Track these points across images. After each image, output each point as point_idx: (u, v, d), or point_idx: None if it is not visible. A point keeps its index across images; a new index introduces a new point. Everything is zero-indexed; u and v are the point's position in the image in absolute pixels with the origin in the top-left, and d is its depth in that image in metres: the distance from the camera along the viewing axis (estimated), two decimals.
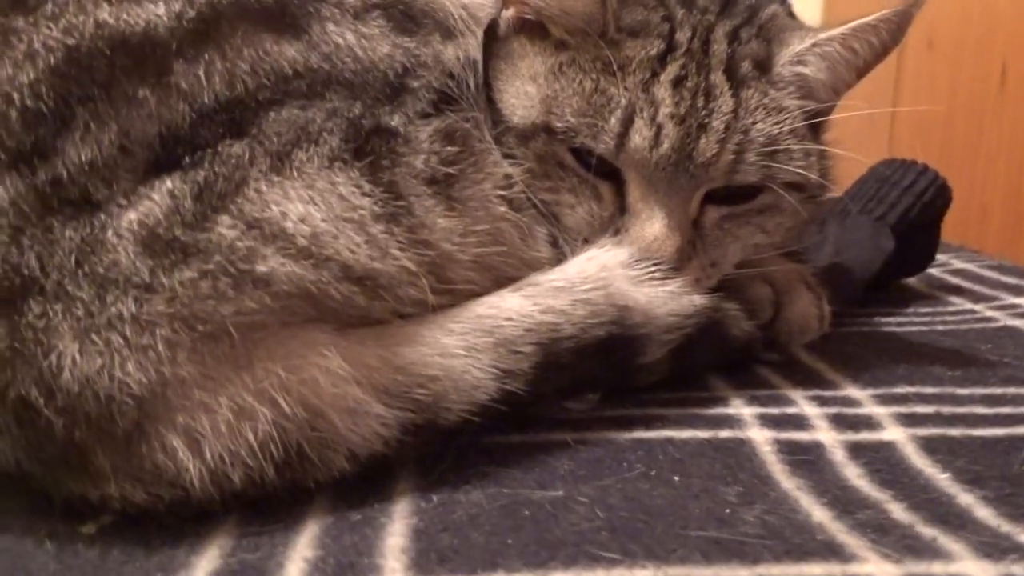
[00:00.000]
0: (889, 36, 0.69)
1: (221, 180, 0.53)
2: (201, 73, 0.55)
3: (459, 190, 0.61)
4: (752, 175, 0.68)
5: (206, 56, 0.55)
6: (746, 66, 0.70)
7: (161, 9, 0.55)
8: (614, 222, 0.69)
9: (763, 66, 0.70)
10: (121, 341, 0.50)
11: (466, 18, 0.69)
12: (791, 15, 0.86)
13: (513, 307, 0.61)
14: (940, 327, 0.89)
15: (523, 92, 0.70)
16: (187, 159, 0.53)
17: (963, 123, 2.71)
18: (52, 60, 0.52)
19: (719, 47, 0.70)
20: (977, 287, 1.02)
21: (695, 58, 0.68)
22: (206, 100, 0.54)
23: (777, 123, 0.68)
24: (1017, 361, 0.77)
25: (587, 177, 0.69)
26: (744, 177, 0.68)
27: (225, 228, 0.52)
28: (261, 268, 0.52)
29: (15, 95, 0.52)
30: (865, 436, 0.62)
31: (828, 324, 0.78)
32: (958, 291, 1.01)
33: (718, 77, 0.68)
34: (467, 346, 0.58)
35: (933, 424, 0.64)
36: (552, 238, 0.69)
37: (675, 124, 0.66)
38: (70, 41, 0.53)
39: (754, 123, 0.68)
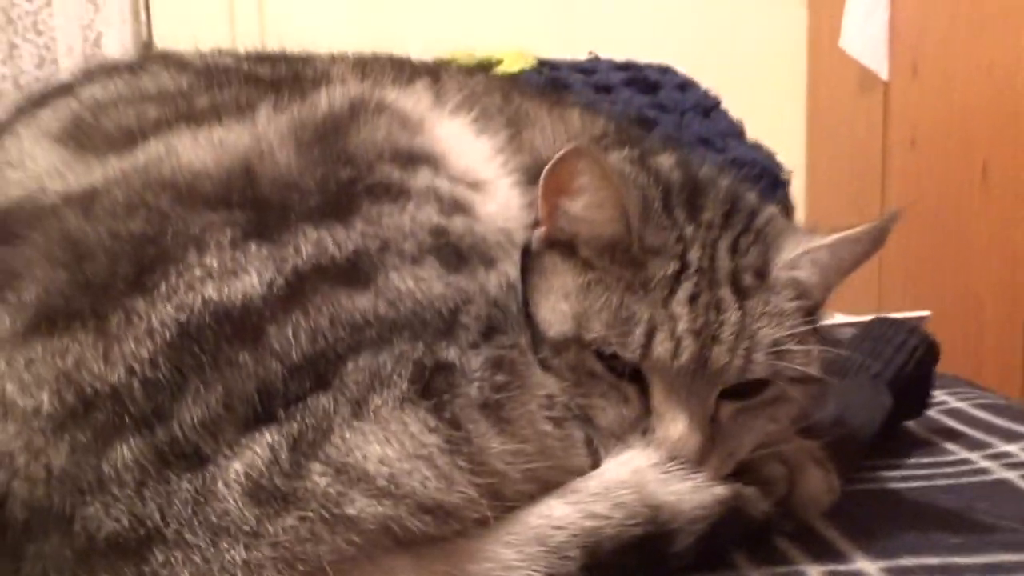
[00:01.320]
0: (871, 245, 0.79)
1: (311, 430, 0.62)
2: (290, 334, 0.64)
3: (508, 412, 0.70)
4: (760, 373, 0.77)
5: (293, 318, 0.65)
6: (748, 278, 0.80)
7: (255, 280, 0.65)
8: (641, 422, 0.78)
9: (762, 274, 0.80)
10: None
11: (504, 243, 0.79)
12: (787, 205, 0.98)
13: (560, 516, 0.69)
14: (940, 481, 0.96)
15: (557, 308, 0.80)
16: (281, 412, 0.62)
17: (950, 217, 2.81)
18: (168, 335, 0.62)
19: (724, 263, 0.80)
20: (971, 431, 1.10)
21: (705, 275, 0.78)
22: (295, 357, 0.64)
23: (778, 326, 0.78)
24: (1012, 523, 0.84)
25: (615, 382, 0.78)
26: (753, 375, 0.77)
27: (317, 475, 0.60)
28: (350, 510, 0.60)
29: (137, 367, 0.61)
30: None
31: (837, 494, 0.86)
32: (953, 436, 1.09)
33: (725, 292, 0.78)
34: (524, 556, 0.66)
35: None
36: (588, 440, 0.77)
37: (692, 337, 0.76)
38: (182, 318, 0.62)
39: (759, 328, 0.77)
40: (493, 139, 0.88)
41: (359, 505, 0.61)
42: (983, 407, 1.19)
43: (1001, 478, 0.96)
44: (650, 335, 0.76)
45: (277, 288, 0.65)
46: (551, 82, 1.33)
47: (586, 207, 0.80)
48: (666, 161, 0.90)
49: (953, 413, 1.17)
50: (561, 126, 0.97)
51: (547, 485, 0.72)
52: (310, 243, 0.68)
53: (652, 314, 0.76)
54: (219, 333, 0.63)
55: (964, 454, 1.04)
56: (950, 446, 1.06)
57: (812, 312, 0.81)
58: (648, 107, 1.26)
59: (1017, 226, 2.53)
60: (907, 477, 0.98)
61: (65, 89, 0.85)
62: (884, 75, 2.98)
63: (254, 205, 0.69)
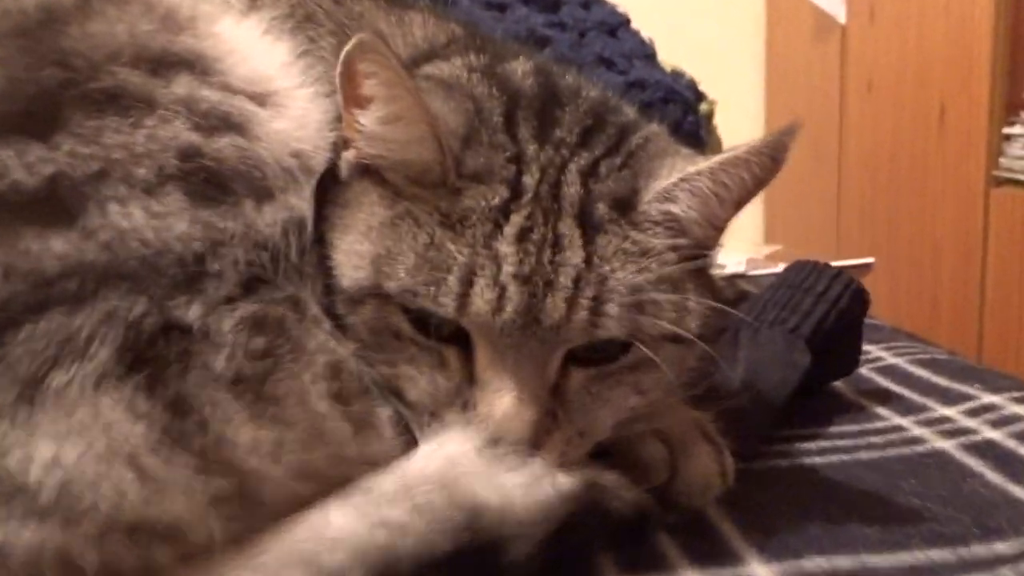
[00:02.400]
0: (761, 169, 0.61)
1: None
2: None
3: (271, 388, 0.52)
4: (615, 330, 0.59)
5: None
6: (601, 208, 0.62)
7: None
8: (462, 394, 0.60)
9: (624, 205, 0.62)
10: None
11: (294, 169, 0.61)
12: (697, 138, 0.79)
13: (338, 526, 0.52)
14: (864, 454, 0.80)
15: (354, 250, 0.61)
16: None
17: (907, 161, 2.71)
18: None
19: (571, 188, 0.62)
20: (906, 392, 0.95)
21: (543, 205, 0.61)
22: None
23: (641, 269, 0.60)
24: (942, 507, 0.69)
25: (427, 344, 0.61)
26: (606, 333, 0.59)
27: None
28: None
29: None
30: None
31: (732, 478, 0.70)
32: (886, 398, 0.93)
33: (566, 224, 0.60)
34: None
35: None
36: (399, 419, 0.60)
37: (519, 284, 0.58)
38: None
39: (612, 271, 0.59)
40: (298, 43, 0.69)
41: (7, 530, 0.43)
42: (923, 363, 1.03)
43: (935, 448, 0.80)
44: (467, 283, 0.58)
45: None
46: None
47: (381, 121, 0.61)
48: (519, 68, 0.71)
49: (888, 371, 1.02)
50: (398, 31, 0.78)
51: (332, 482, 0.54)
52: None
53: (471, 256, 0.58)
54: None
55: (896, 420, 0.88)
56: (880, 410, 0.91)
57: (692, 255, 0.63)
58: (544, 26, 1.07)
59: (973, 169, 2.44)
60: (825, 450, 0.82)
61: None
62: (842, 19, 2.92)
63: None
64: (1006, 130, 2.31)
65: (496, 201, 0.60)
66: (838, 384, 0.97)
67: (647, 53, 1.11)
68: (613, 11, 1.15)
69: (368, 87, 0.60)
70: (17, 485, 0.43)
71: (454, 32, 0.79)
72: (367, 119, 0.62)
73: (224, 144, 0.58)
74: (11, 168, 0.50)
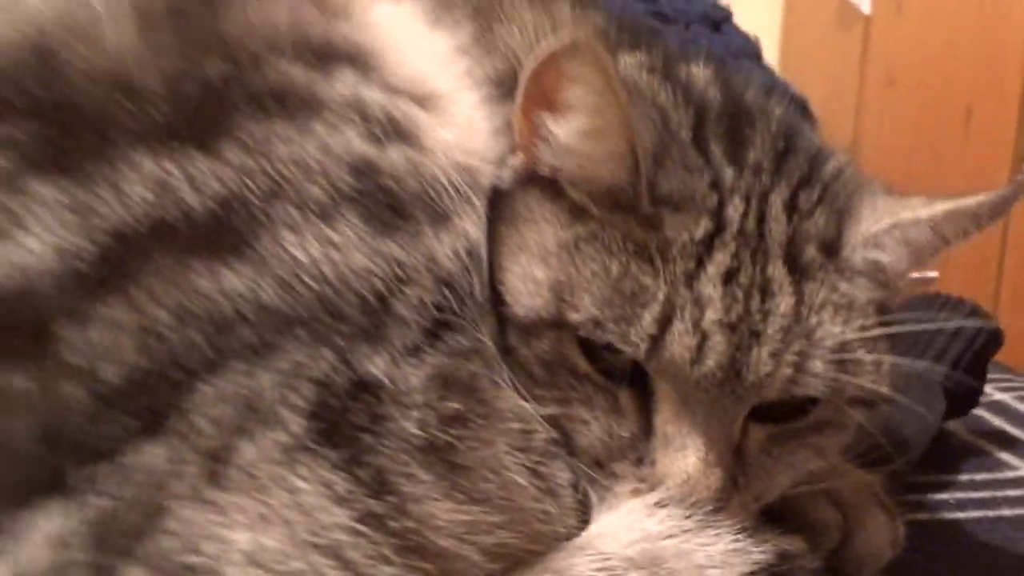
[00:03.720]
0: (986, 222, 0.55)
1: (129, 509, 0.36)
2: (101, 337, 0.38)
3: (464, 457, 0.45)
4: (816, 389, 0.53)
5: (108, 312, 0.38)
6: (810, 251, 0.55)
7: (46, 247, 0.38)
8: (637, 446, 0.54)
9: (830, 248, 0.56)
10: None
11: (463, 186, 0.53)
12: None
13: None
14: (1006, 511, 0.76)
15: (529, 275, 0.54)
16: (80, 477, 0.36)
17: (925, 161, 2.66)
18: None
19: (777, 225, 0.55)
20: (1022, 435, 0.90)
21: (749, 242, 0.54)
22: (109, 378, 0.38)
23: (846, 323, 0.54)
24: None
25: (605, 386, 0.54)
26: (805, 392, 0.53)
27: None
28: None
29: None
30: None
31: (902, 546, 0.64)
32: (1005, 442, 0.89)
33: (776, 268, 0.54)
34: None
35: None
36: (574, 480, 0.53)
37: (724, 332, 0.51)
38: None
39: (819, 324, 0.53)
40: (453, 34, 0.61)
41: None
42: None
43: None
44: (664, 324, 0.51)
45: (85, 262, 0.39)
46: None
47: (579, 134, 0.54)
48: (700, 74, 0.63)
49: (997, 408, 0.97)
50: (547, 20, 0.69)
51: (518, 558, 0.48)
52: (147, 184, 0.41)
53: (669, 294, 0.51)
54: None
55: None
56: (1005, 456, 0.86)
57: (886, 307, 0.57)
58: (647, 14, 0.99)
59: (998, 173, 2.40)
60: (963, 503, 0.77)
61: None
62: (866, 9, 2.83)
63: (51, 113, 0.41)
64: None
65: (699, 234, 0.53)
66: (951, 423, 0.92)
67: (753, 51, 1.03)
68: (715, 3, 1.07)
69: (571, 94, 0.53)
70: None
71: (605, 25, 0.71)
72: (561, 128, 0.54)
73: (396, 157, 0.50)
74: (179, 190, 0.42)
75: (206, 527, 0.37)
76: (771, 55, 3.36)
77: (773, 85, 0.94)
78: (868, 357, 0.54)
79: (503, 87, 0.64)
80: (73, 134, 0.41)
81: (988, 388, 1.03)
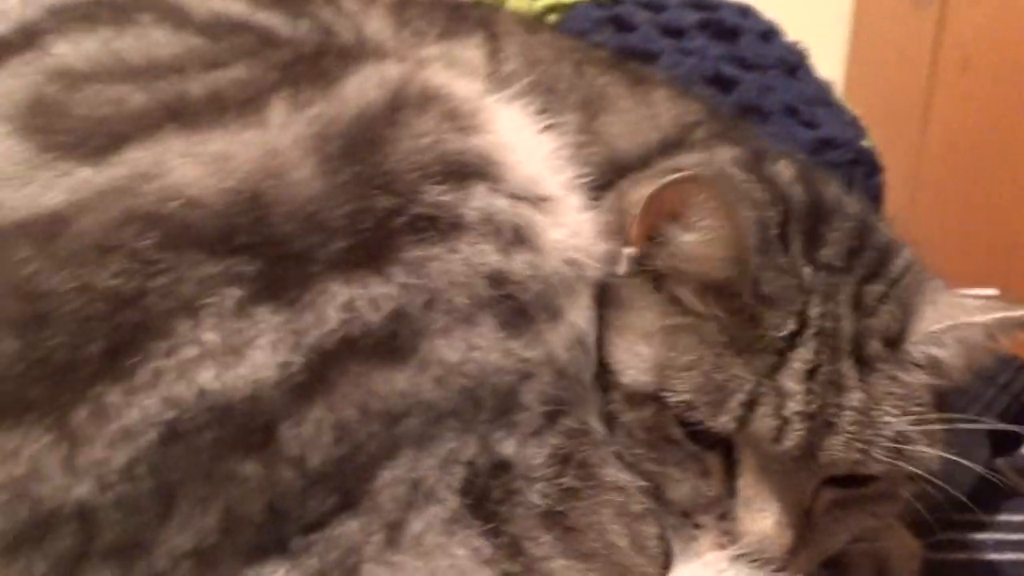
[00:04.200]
0: None
1: (333, 568, 0.48)
2: (309, 432, 0.50)
3: (575, 522, 0.56)
4: (874, 470, 0.62)
5: (314, 412, 0.50)
6: (875, 345, 0.64)
7: (266, 361, 0.49)
8: (720, 503, 0.64)
9: (893, 343, 0.64)
10: None
11: (572, 282, 0.63)
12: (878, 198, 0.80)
13: None
14: None
15: (635, 352, 0.64)
16: (296, 541, 0.48)
17: (996, 149, 2.63)
18: (151, 437, 0.47)
19: (847, 322, 0.64)
20: None
21: (826, 340, 0.63)
22: (315, 464, 0.49)
23: (905, 413, 0.62)
24: None
25: (697, 453, 0.64)
26: (867, 471, 0.63)
27: None
28: None
29: (110, 479, 0.47)
30: None
31: None
32: None
33: (846, 364, 0.62)
34: None
35: None
36: (660, 532, 0.64)
37: (803, 421, 0.61)
38: (169, 415, 0.47)
39: (882, 415, 0.62)
40: (561, 132, 0.71)
41: None
42: None
43: None
44: (750, 407, 0.61)
45: (294, 372, 0.50)
46: (613, 20, 1.12)
47: (697, 243, 0.63)
48: (786, 172, 0.72)
49: None
50: (645, 110, 0.79)
51: None
52: (338, 305, 0.52)
53: (756, 383, 0.61)
54: (219, 434, 0.48)
55: None
56: None
57: (943, 397, 0.66)
58: (726, 60, 1.06)
59: None
60: (1001, 544, 0.86)
61: (27, 37, 0.66)
62: None
63: (266, 250, 0.52)
64: None
65: (786, 332, 0.62)
66: (997, 461, 1.00)
67: (827, 99, 1.10)
68: (791, 47, 1.13)
69: (690, 213, 0.62)
70: None
71: (698, 113, 0.80)
72: (678, 237, 0.63)
73: (521, 264, 0.60)
74: (360, 308, 0.53)
75: None
76: (842, 38, 3.31)
77: (844, 140, 1.02)
78: (923, 445, 0.62)
79: (603, 173, 0.74)
80: (282, 266, 0.52)
81: None
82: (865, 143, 1.05)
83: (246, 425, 0.48)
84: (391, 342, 0.53)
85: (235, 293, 0.50)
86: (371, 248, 0.55)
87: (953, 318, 0.64)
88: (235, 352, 0.49)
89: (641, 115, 0.78)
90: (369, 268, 0.54)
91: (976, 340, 0.63)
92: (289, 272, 0.52)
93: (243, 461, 0.48)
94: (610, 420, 0.65)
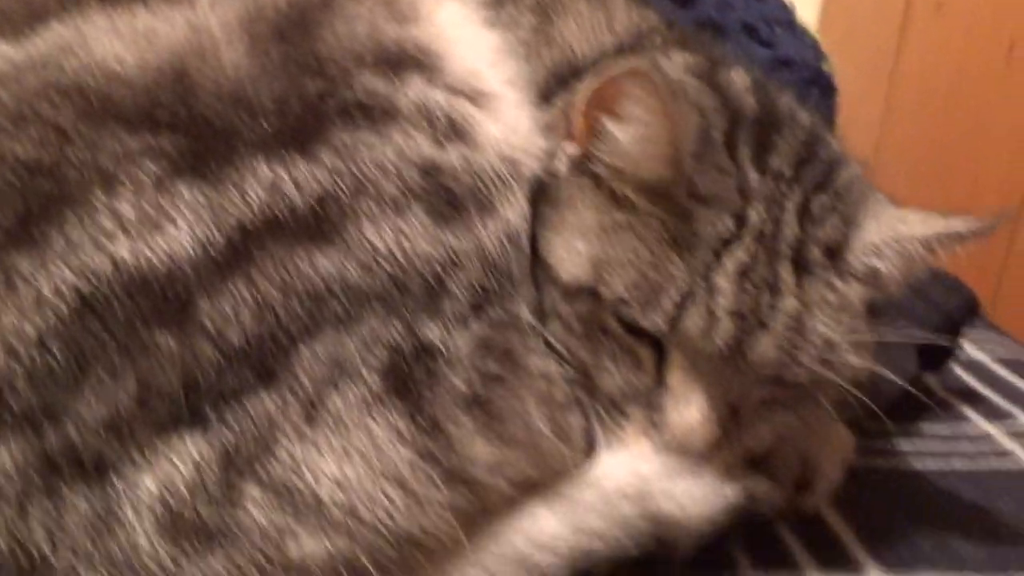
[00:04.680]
0: (971, 244, 0.64)
1: (250, 440, 0.49)
2: (228, 309, 0.50)
3: (498, 408, 0.57)
4: (801, 377, 0.64)
5: (233, 288, 0.50)
6: (816, 253, 0.64)
7: (185, 237, 0.49)
8: (650, 395, 0.66)
9: (834, 253, 0.65)
10: None
11: (509, 178, 0.63)
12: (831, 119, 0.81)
13: (549, 533, 0.58)
14: (958, 463, 0.87)
15: (572, 247, 0.65)
16: (212, 413, 0.49)
17: (967, 93, 2.65)
18: (64, 308, 0.47)
19: (790, 229, 0.64)
20: (992, 395, 1.01)
21: (764, 243, 0.63)
22: (233, 340, 0.50)
23: (838, 323, 0.63)
24: None
25: (631, 345, 0.65)
26: (792, 376, 0.64)
27: (254, 504, 0.48)
28: (293, 553, 0.48)
29: (21, 349, 0.46)
30: None
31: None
32: (973, 399, 1.00)
33: (784, 269, 0.63)
34: None
35: None
36: (585, 423, 0.65)
37: (733, 319, 0.62)
38: (84, 285, 0.47)
39: (814, 322, 0.63)
40: (509, 30, 0.70)
41: (306, 545, 0.49)
42: (1005, 363, 1.09)
43: None
44: (681, 307, 0.62)
45: (215, 248, 0.50)
46: None
47: (633, 139, 0.63)
48: (740, 80, 0.72)
49: (972, 368, 1.08)
50: (602, 16, 0.78)
51: (536, 488, 0.60)
52: (262, 184, 0.52)
53: (689, 282, 0.62)
54: (134, 307, 0.48)
55: (984, 427, 0.94)
56: (969, 413, 0.97)
57: (875, 308, 0.67)
58: None
59: None
60: (922, 454, 0.89)
61: None
62: None
63: (189, 127, 0.52)
64: None
65: (723, 231, 0.62)
66: (927, 377, 1.03)
67: (788, 19, 1.09)
68: None
69: (628, 108, 0.62)
70: (310, 500, 0.49)
71: (656, 23, 0.79)
72: (615, 132, 0.63)
73: (455, 156, 0.60)
74: (285, 189, 0.52)
75: (305, 457, 0.49)
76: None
77: (801, 59, 1.01)
78: (852, 357, 0.63)
79: (557, 75, 0.73)
80: (206, 144, 0.51)
81: (969, 347, 1.14)
82: (823, 66, 1.05)
83: (163, 299, 0.48)
84: (317, 224, 0.53)
85: (155, 168, 0.50)
86: (299, 131, 0.54)
87: (894, 231, 0.65)
88: (153, 226, 0.49)
89: (598, 20, 0.77)
90: (297, 150, 0.54)
91: (915, 253, 0.64)
92: (212, 150, 0.52)
93: (159, 334, 0.48)
94: (546, 314, 0.66)
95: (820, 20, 3.28)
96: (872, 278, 0.65)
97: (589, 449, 0.66)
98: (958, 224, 0.63)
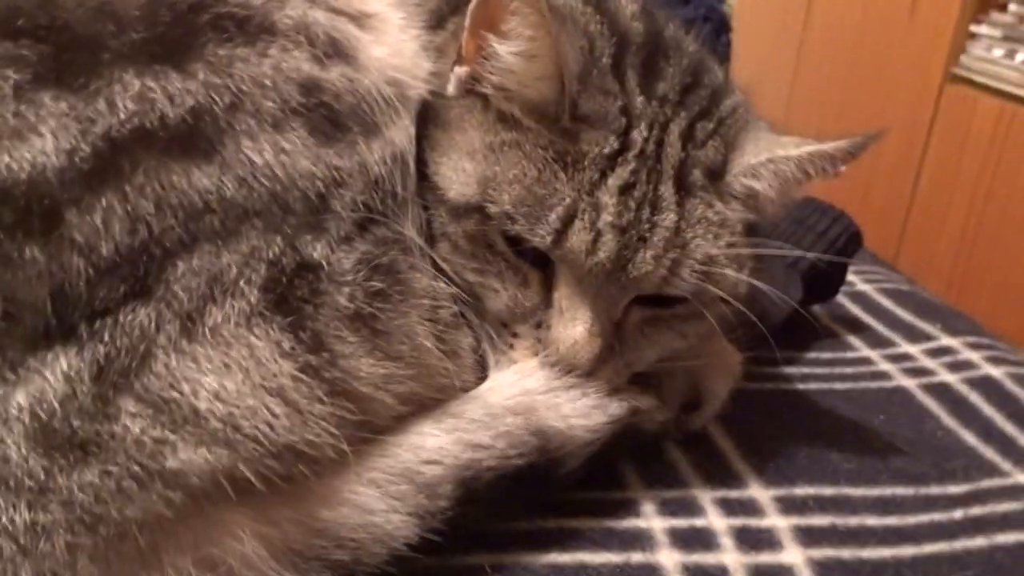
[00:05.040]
0: (841, 163, 0.67)
1: (124, 354, 0.48)
2: (97, 221, 0.49)
3: (384, 324, 0.58)
4: (683, 289, 0.66)
5: (102, 199, 0.49)
6: (697, 174, 0.67)
7: (49, 146, 0.48)
8: (537, 313, 0.67)
9: (714, 175, 0.67)
10: (14, 548, 0.46)
11: (394, 100, 0.63)
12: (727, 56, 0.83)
13: (434, 447, 0.59)
14: (838, 384, 0.92)
15: (461, 167, 0.66)
16: (83, 327, 0.48)
17: (871, 45, 2.74)
18: None
19: (673, 150, 0.66)
20: (874, 323, 1.06)
21: (647, 163, 0.65)
22: (104, 253, 0.49)
23: (717, 238, 0.66)
24: (907, 446, 0.81)
25: (517, 264, 0.66)
26: (674, 290, 0.66)
27: (129, 416, 0.48)
28: (171, 463, 0.48)
29: None
30: (766, 559, 0.66)
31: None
32: (856, 327, 1.05)
33: (666, 188, 0.65)
34: (388, 495, 0.57)
35: (828, 542, 0.68)
36: (475, 344, 0.67)
37: (615, 233, 0.63)
38: None
39: (694, 238, 0.65)
40: None
41: (183, 456, 0.49)
42: (888, 293, 1.14)
43: (899, 385, 0.92)
44: (567, 222, 0.63)
45: (80, 158, 0.49)
46: None
47: (516, 55, 0.64)
48: (628, 6, 0.73)
49: (858, 298, 1.13)
50: None
51: (423, 405, 0.61)
52: (130, 96, 0.51)
53: (574, 198, 0.63)
54: None
55: (865, 351, 0.99)
56: (852, 339, 1.02)
57: (753, 227, 0.69)
58: None
59: (934, 63, 2.48)
60: (807, 376, 0.93)
61: None
62: None
63: (51, 36, 0.50)
64: (972, 28, 2.32)
65: (606, 150, 0.64)
66: (816, 307, 1.07)
67: None
68: None
69: (511, 24, 0.63)
70: (188, 413, 0.49)
71: None
72: (501, 49, 0.64)
73: (337, 75, 0.59)
74: (156, 101, 0.51)
75: (182, 370, 0.49)
76: None
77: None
78: (730, 270, 0.66)
79: (450, 3, 0.73)
80: (71, 53, 0.50)
81: (857, 279, 1.19)
82: (720, 5, 1.06)
83: (27, 210, 0.47)
84: (191, 138, 0.52)
85: (15, 76, 0.48)
86: (170, 43, 0.53)
87: (770, 152, 0.67)
88: (14, 135, 0.47)
89: None
90: (168, 62, 0.53)
91: (789, 172, 0.67)
92: (77, 60, 0.50)
93: (24, 246, 0.47)
94: (434, 236, 0.66)
95: None
96: (750, 198, 0.68)
97: (481, 368, 0.67)
98: (828, 146, 0.65)
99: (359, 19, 0.63)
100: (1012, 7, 2.19)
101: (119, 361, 0.48)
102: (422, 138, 0.66)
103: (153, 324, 0.49)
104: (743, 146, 0.68)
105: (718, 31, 1.03)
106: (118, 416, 0.47)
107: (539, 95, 0.64)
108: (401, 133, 0.63)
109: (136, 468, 0.47)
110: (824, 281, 1.02)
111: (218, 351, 0.50)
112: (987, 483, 0.76)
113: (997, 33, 2.23)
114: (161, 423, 0.48)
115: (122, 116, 0.50)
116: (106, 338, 0.48)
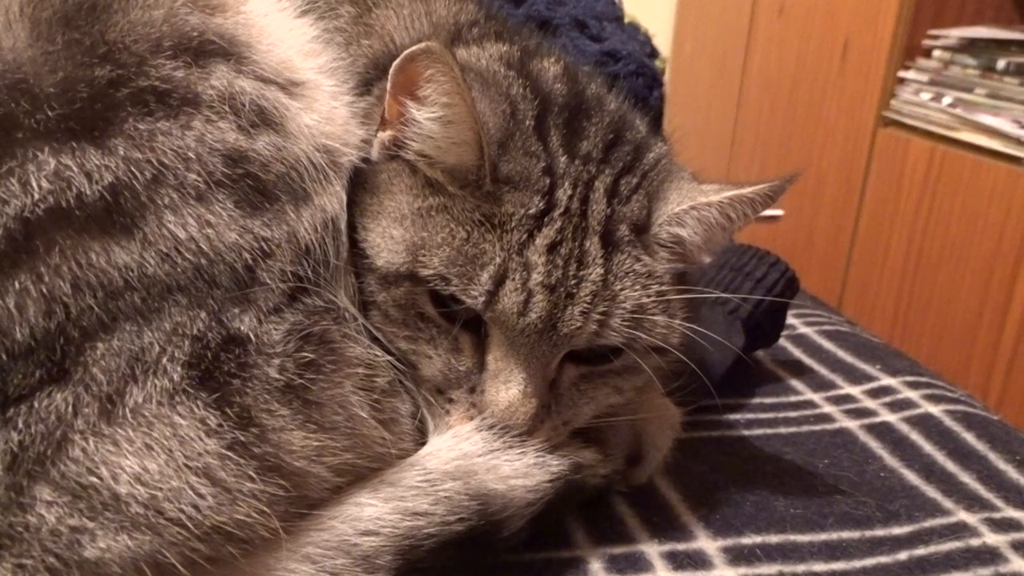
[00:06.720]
0: (762, 206, 0.68)
1: (39, 440, 0.47)
2: (11, 304, 0.47)
3: (316, 395, 0.57)
4: (614, 340, 0.66)
5: (15, 282, 0.48)
6: (623, 229, 0.68)
7: None
8: (471, 377, 0.67)
9: (640, 228, 0.68)
10: None
11: (325, 167, 0.63)
12: (659, 111, 0.85)
13: (372, 517, 0.58)
14: (783, 429, 0.92)
15: (389, 235, 0.66)
16: None
17: (806, 90, 2.83)
18: None
19: (598, 207, 0.67)
20: (816, 365, 1.07)
21: (572, 220, 0.66)
22: (18, 337, 0.47)
23: (645, 289, 0.67)
24: (851, 488, 0.81)
25: (448, 329, 0.66)
26: (606, 342, 0.67)
27: (44, 506, 0.46)
28: (89, 552, 0.47)
29: None
30: None
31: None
32: (799, 371, 1.06)
33: (592, 243, 0.66)
34: (324, 571, 0.56)
35: None
36: (414, 410, 0.66)
37: (545, 293, 0.64)
38: None
39: (622, 290, 0.66)
40: (325, 20, 0.70)
41: (103, 543, 0.47)
42: (829, 335, 1.16)
43: (842, 427, 0.93)
44: (498, 283, 0.63)
45: None
46: None
47: (432, 122, 0.65)
48: (550, 69, 0.74)
49: (800, 341, 1.14)
50: (421, 6, 0.79)
51: (359, 475, 0.60)
52: (45, 175, 0.50)
53: (504, 258, 0.64)
54: None
55: (808, 394, 1.00)
56: (795, 383, 1.03)
57: (684, 276, 0.70)
58: None
59: (867, 107, 2.57)
60: (751, 422, 0.94)
61: None
62: None
63: None
64: (901, 73, 2.41)
65: (532, 211, 0.65)
66: (758, 352, 1.09)
67: (617, 15, 1.13)
68: None
69: (426, 90, 0.63)
70: (107, 498, 0.47)
71: (476, 14, 0.80)
72: (418, 115, 0.65)
73: (264, 145, 0.59)
74: (73, 179, 0.51)
75: (101, 454, 0.48)
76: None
77: (626, 53, 1.05)
78: (661, 317, 0.67)
79: (377, 66, 0.74)
80: None
81: (798, 322, 1.20)
82: (651, 61, 1.09)
83: None
84: (110, 215, 0.52)
85: None
86: (88, 119, 0.53)
87: (692, 199, 0.68)
88: None
89: (416, 11, 0.78)
90: (86, 139, 0.52)
91: (712, 218, 0.68)
92: None
93: None
94: (366, 304, 0.66)
95: (675, 24, 3.44)
96: (677, 245, 0.69)
97: (421, 433, 0.66)
98: (747, 190, 0.67)
99: (288, 87, 0.63)
100: (936, 53, 2.28)
101: (33, 448, 0.46)
102: (353, 204, 0.66)
103: (70, 408, 0.48)
104: (667, 195, 0.69)
105: (650, 86, 1.05)
106: (33, 505, 0.46)
107: (459, 160, 0.65)
108: (333, 200, 0.63)
109: (52, 560, 0.45)
110: (765, 326, 1.03)
111: (139, 432, 0.49)
112: (930, 523, 0.76)
113: (924, 78, 2.31)
114: (79, 510, 0.46)
115: (36, 196, 0.49)
116: (20, 425, 0.46)
